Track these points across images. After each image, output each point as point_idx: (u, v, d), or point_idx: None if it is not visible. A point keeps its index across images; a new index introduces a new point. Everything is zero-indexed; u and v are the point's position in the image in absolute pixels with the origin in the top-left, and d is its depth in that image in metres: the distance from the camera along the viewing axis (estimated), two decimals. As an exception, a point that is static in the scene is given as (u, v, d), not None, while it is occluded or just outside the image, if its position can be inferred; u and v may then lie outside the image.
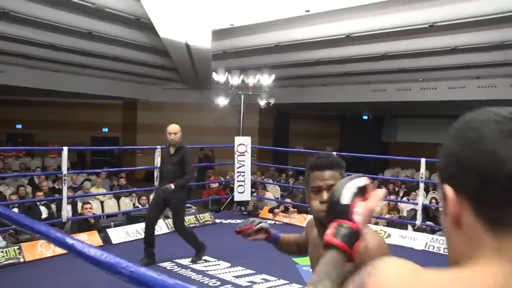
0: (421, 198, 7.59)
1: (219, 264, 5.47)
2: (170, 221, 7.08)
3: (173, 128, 5.78)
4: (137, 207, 8.63)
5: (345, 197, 1.08)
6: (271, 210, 8.50)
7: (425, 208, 8.45)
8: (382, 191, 1.12)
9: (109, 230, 6.60)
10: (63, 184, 6.61)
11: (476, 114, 0.66)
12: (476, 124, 0.64)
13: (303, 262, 3.93)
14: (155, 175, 7.40)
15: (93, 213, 7.22)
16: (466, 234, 0.65)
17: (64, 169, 6.67)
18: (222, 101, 13.48)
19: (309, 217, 2.06)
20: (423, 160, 7.35)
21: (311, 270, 1.98)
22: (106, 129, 18.67)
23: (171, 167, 5.57)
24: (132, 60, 12.87)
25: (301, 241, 2.10)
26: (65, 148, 6.58)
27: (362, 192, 1.10)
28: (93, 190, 9.26)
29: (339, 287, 0.94)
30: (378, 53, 11.21)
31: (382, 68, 12.53)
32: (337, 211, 1.07)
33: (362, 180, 1.11)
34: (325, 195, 1.71)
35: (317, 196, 1.74)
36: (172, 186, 5.33)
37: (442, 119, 18.94)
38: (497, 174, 0.59)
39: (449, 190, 0.65)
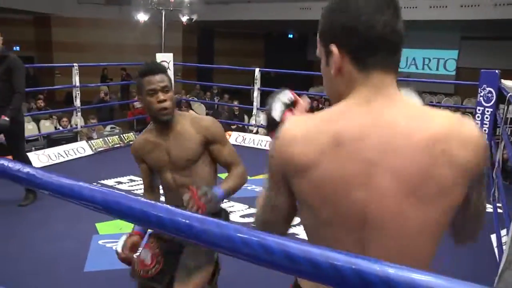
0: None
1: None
2: (93, 142, 6.97)
3: None
4: (59, 129, 8.36)
5: (276, 114, 1.24)
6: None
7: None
8: (305, 102, 1.29)
9: (29, 154, 6.38)
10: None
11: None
12: (354, 1, 0.91)
13: (103, 231, 4.00)
14: (74, 94, 7.13)
15: (10, 137, 6.89)
16: (346, 77, 0.94)
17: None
18: (142, 17, 12.90)
19: (136, 142, 2.23)
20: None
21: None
22: (17, 48, 17.35)
23: None
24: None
25: (149, 178, 2.25)
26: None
27: (290, 105, 1.24)
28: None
29: None
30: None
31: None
32: (272, 125, 1.23)
33: (287, 94, 1.26)
34: (161, 96, 1.98)
35: (153, 98, 1.98)
36: (6, 118, 4.28)
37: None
38: (370, 36, 0.89)
39: (334, 47, 0.93)
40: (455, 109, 11.76)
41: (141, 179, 2.26)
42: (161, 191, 2.29)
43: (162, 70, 2.04)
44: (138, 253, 2.17)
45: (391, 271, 0.53)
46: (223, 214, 2.29)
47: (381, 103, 0.90)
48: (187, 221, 0.66)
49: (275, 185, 1.01)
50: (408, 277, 0.52)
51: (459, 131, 0.87)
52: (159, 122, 2.05)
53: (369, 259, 0.55)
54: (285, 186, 0.99)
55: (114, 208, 0.75)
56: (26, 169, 0.85)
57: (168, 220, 0.67)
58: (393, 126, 0.87)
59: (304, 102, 1.28)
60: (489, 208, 4.14)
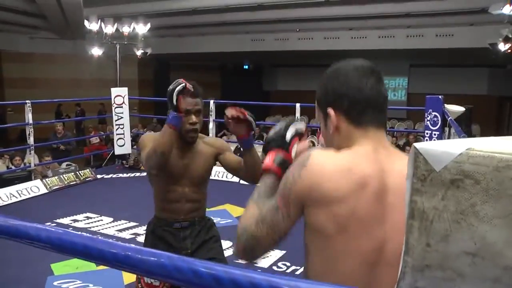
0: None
1: (102, 220, 5.44)
2: (48, 180, 6.82)
3: None
4: (11, 168, 8.13)
5: (289, 134, 1.30)
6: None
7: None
8: (307, 143, 1.37)
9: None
10: None
11: (343, 63, 1.17)
12: (344, 71, 1.14)
13: (59, 271, 4.00)
14: (27, 132, 6.99)
15: (-42, 178, 6.67)
16: (343, 134, 1.11)
17: None
18: (96, 51, 12.86)
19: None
20: (297, 105, 7.79)
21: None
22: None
23: None
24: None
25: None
26: None
27: (299, 135, 1.33)
28: (-44, 153, 8.50)
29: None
30: (255, 3, 11.39)
31: (260, 18, 12.78)
32: (280, 143, 1.29)
33: (302, 125, 1.36)
34: (194, 118, 2.13)
35: (186, 119, 2.11)
36: None
37: (320, 67, 19.93)
38: (359, 98, 1.09)
39: (330, 110, 1.12)
40: (408, 133, 12.19)
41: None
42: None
43: (200, 94, 2.17)
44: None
45: None
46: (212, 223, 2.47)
47: (385, 154, 1.09)
48: (127, 253, 0.71)
49: (287, 209, 1.07)
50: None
51: None
52: (185, 141, 2.21)
53: None
54: (298, 212, 1.07)
55: (58, 245, 0.79)
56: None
57: (108, 252, 0.72)
58: (401, 173, 0.92)
59: (307, 143, 1.36)
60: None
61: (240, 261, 1.20)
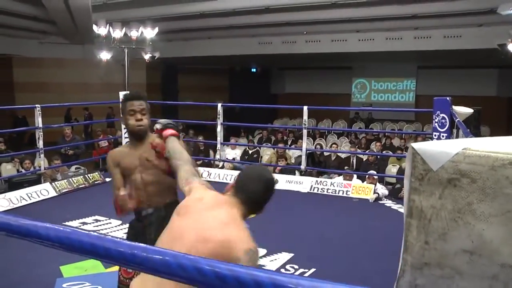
0: (304, 144, 8.06)
1: (110, 222, 5.48)
2: (57, 183, 6.89)
3: None
4: (21, 171, 8.20)
5: (167, 124, 2.56)
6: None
7: (311, 154, 9.04)
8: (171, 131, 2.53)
9: (-11, 198, 6.25)
10: None
11: (250, 169, 1.92)
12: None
13: (68, 274, 4.02)
14: (37, 136, 7.06)
15: (-31, 181, 6.76)
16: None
17: None
18: (105, 55, 12.96)
19: (113, 151, 2.87)
20: (305, 108, 7.74)
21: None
22: (-23, 90, 17.05)
23: None
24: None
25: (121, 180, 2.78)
26: None
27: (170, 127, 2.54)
28: (-33, 157, 8.60)
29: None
30: (262, 6, 11.42)
31: (267, 21, 12.80)
32: (167, 126, 2.52)
33: (170, 121, 2.59)
34: (139, 116, 2.62)
35: (133, 117, 2.62)
36: None
37: (327, 70, 20.01)
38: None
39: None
40: (416, 135, 12.13)
41: (114, 180, 2.72)
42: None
43: (142, 97, 2.69)
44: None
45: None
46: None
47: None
48: (133, 251, 0.73)
49: None
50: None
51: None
52: (135, 136, 2.66)
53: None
54: None
55: (67, 244, 0.81)
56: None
57: (115, 251, 0.74)
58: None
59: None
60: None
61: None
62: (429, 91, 15.60)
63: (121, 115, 2.75)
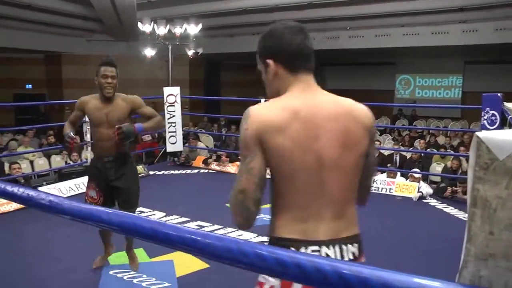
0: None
1: (154, 214, 5.60)
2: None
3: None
4: (69, 163, 8.50)
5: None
6: (204, 161, 8.66)
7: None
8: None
9: (40, 189, 6.50)
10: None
11: (277, 25, 1.50)
12: (279, 30, 1.47)
13: (114, 262, 4.09)
14: (84, 130, 7.29)
15: (22, 173, 7.06)
16: (281, 79, 1.48)
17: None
18: (149, 52, 13.21)
19: (84, 97, 3.62)
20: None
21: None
22: (30, 86, 17.74)
23: None
24: (51, 10, 12.17)
25: (76, 120, 3.64)
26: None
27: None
28: (21, 150, 8.97)
29: None
30: (305, 2, 11.35)
31: (309, 16, 12.69)
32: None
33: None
34: (109, 79, 3.40)
35: (104, 80, 3.39)
36: None
37: (370, 66, 19.68)
38: (289, 49, 1.45)
39: (269, 60, 1.47)
40: (463, 133, 11.78)
41: (72, 116, 3.61)
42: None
43: (114, 65, 3.50)
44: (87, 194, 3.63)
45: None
46: (129, 157, 3.64)
47: (311, 92, 1.47)
48: (193, 237, 0.75)
49: (250, 151, 1.36)
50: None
51: (358, 107, 1.49)
52: (104, 95, 3.41)
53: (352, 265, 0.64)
54: (260, 149, 1.35)
55: (127, 228, 0.84)
56: (49, 198, 0.95)
57: (175, 236, 0.76)
58: (324, 105, 1.43)
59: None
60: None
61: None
62: (477, 87, 15.08)
63: (95, 76, 3.42)
